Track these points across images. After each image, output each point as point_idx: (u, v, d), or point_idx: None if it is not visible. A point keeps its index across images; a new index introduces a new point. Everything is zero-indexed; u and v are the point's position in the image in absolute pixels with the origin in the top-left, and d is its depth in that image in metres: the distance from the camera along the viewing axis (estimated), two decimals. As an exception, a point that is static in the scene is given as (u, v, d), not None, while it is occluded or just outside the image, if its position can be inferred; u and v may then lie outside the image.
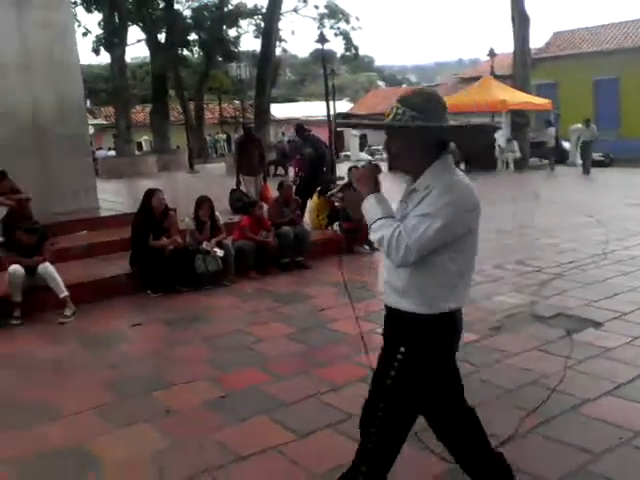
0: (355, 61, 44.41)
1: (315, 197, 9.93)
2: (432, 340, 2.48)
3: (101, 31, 27.12)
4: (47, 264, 6.40)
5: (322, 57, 27.32)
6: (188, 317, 6.29)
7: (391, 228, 2.38)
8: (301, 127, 11.82)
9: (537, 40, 55.63)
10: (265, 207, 8.82)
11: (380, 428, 2.56)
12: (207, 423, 3.93)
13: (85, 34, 27.40)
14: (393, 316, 2.56)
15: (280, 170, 21.13)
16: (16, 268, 6.21)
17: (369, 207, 2.48)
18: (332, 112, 26.80)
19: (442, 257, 2.41)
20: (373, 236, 2.45)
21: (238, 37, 33.53)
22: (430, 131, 2.42)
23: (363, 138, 35.16)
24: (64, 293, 6.36)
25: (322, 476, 3.26)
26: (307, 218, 9.75)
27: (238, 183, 11.20)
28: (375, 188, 2.52)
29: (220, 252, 7.40)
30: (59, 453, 3.65)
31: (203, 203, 7.65)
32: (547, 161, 21.18)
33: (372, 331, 5.59)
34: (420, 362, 2.48)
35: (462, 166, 18.85)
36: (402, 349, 2.47)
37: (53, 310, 6.33)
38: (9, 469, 3.48)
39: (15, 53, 9.50)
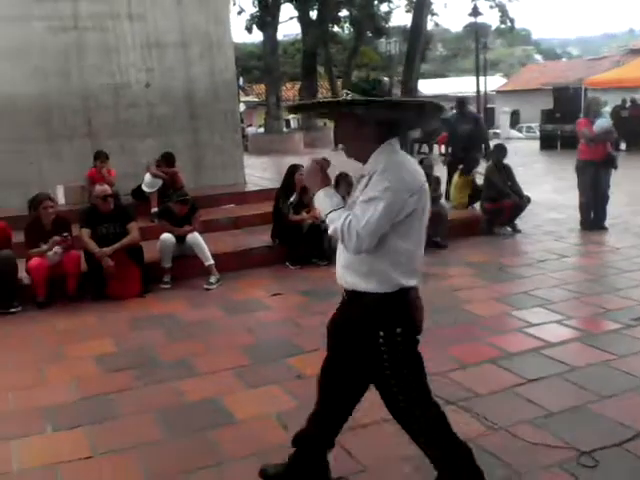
0: (510, 34, 42.45)
1: (456, 176, 9.76)
2: (399, 318, 2.53)
3: (255, 9, 27.89)
4: (196, 234, 6.84)
5: (475, 30, 26.49)
6: (323, 290, 6.45)
7: (342, 218, 2.44)
8: (463, 102, 11.05)
9: None
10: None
11: (410, 410, 2.65)
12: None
13: (240, 12, 28.36)
14: (355, 300, 2.59)
15: (424, 148, 20.85)
16: (167, 236, 6.71)
17: (319, 202, 2.56)
18: (483, 88, 25.98)
19: (391, 238, 2.46)
20: (329, 230, 2.50)
21: (389, 12, 33.25)
22: (366, 108, 2.44)
23: (515, 114, 33.74)
24: (210, 261, 6.78)
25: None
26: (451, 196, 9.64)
27: (379, 160, 11.23)
28: (323, 183, 2.57)
29: (357, 228, 7.50)
30: (197, 406, 3.96)
31: (342, 180, 7.76)
32: None
33: (507, 313, 5.51)
34: (401, 342, 2.54)
35: (623, 146, 17.58)
36: (381, 333, 2.52)
37: (199, 277, 6.76)
38: (155, 418, 3.83)
39: (174, 33, 10.11)
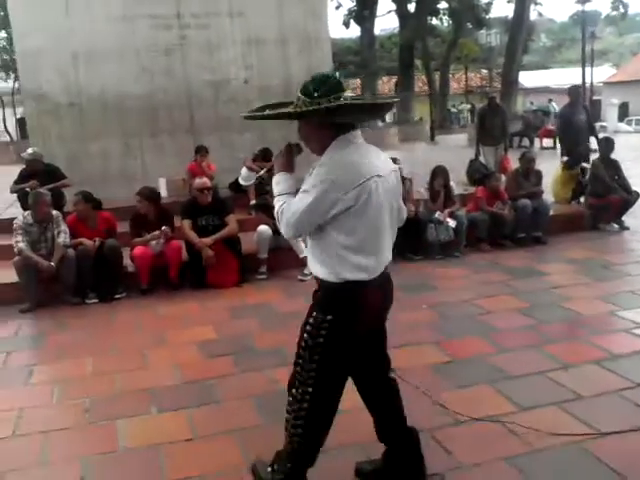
0: (623, 21, 40.23)
1: (559, 169, 9.38)
2: (335, 307, 2.56)
3: (352, 4, 27.93)
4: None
5: (582, 18, 25.32)
6: (418, 284, 6.39)
7: (280, 203, 2.59)
8: (578, 90, 10.34)
9: None
10: (503, 179, 8.56)
11: (299, 397, 2.71)
12: (430, 385, 4.01)
13: (337, 7, 28.48)
14: (319, 287, 2.66)
15: (525, 141, 20.22)
16: (265, 228, 6.83)
17: (274, 185, 2.68)
18: (590, 79, 24.80)
19: (328, 231, 2.51)
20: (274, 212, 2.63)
21: (490, 3, 32.44)
22: (315, 113, 2.46)
23: (623, 107, 32.09)
24: (304, 254, 6.83)
25: (541, 451, 3.17)
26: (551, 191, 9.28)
27: (477, 153, 10.98)
28: (284, 168, 2.69)
29: (452, 222, 7.37)
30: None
31: (439, 173, 7.65)
32: None
33: (612, 313, 5.26)
34: (326, 328, 2.56)
35: None
36: (314, 313, 2.60)
37: (293, 268, 6.84)
38: (252, 404, 3.91)
39: (274, 29, 10.26)
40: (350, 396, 3.87)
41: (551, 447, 3.20)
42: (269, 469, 2.89)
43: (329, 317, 2.56)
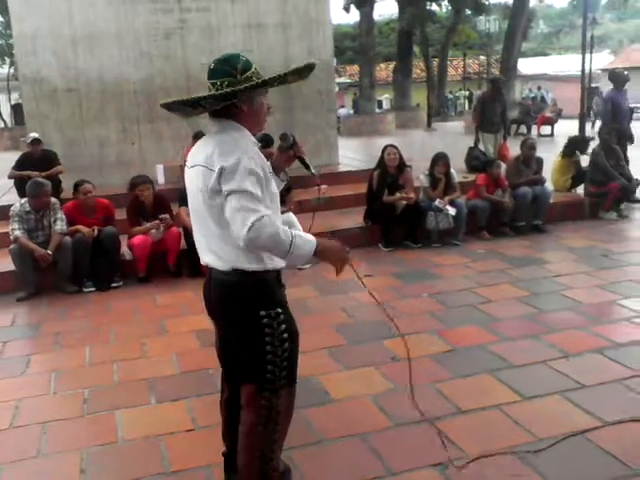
0: (624, 7, 39.76)
1: (559, 157, 9.33)
2: None
3: (354, -12, 27.50)
4: (290, 213, 6.87)
5: (584, 3, 25.07)
6: (417, 272, 6.37)
7: None
8: (621, 75, 9.52)
9: None
10: (504, 166, 8.51)
11: None
12: (430, 374, 3.99)
13: (338, -8, 28.11)
14: None
15: (522, 129, 20.15)
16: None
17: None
18: (589, 66, 24.64)
19: None
20: None
21: (490, -11, 32.11)
22: None
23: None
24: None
25: (546, 441, 3.15)
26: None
27: (477, 140, 10.89)
28: None
29: (452, 210, 7.32)
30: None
31: (439, 160, 7.59)
32: None
33: (613, 302, 5.24)
34: None
35: None
36: None
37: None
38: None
39: (275, 13, 10.18)
40: (337, 387, 3.86)
41: (554, 437, 3.18)
42: None
43: None
